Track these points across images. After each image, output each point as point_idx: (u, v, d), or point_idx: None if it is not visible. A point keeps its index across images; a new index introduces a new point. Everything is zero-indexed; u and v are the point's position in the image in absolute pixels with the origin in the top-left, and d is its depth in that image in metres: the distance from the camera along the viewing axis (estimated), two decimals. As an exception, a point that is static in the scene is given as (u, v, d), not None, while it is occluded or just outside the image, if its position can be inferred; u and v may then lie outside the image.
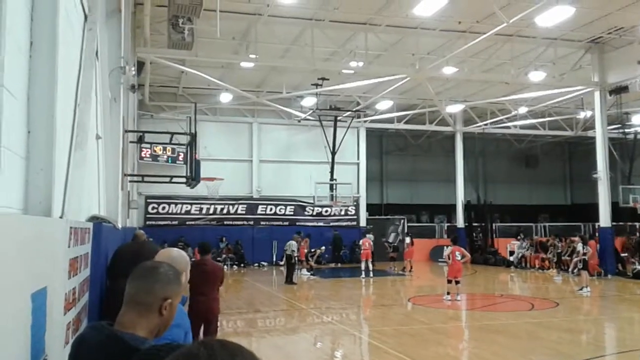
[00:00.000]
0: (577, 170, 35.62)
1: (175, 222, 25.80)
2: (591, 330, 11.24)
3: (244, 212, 27.10)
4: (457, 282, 14.42)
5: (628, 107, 24.65)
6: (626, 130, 27.07)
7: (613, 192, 22.05)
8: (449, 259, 14.81)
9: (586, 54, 20.14)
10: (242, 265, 25.72)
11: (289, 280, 19.23)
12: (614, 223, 22.64)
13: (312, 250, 24.68)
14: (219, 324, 12.04)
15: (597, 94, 21.07)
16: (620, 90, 20.59)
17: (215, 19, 12.04)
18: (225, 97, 24.25)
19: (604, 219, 21.21)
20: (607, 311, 14.53)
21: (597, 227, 22.64)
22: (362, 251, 21.98)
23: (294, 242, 19.64)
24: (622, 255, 22.46)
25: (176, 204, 25.99)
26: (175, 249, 3.08)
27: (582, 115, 26.91)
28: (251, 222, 27.04)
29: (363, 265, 21.35)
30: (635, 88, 19.66)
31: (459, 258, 14.53)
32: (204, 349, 1.23)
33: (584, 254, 17.42)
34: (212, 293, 6.38)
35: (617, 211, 23.43)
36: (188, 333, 2.80)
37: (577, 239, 19.38)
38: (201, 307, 6.28)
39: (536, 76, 20.02)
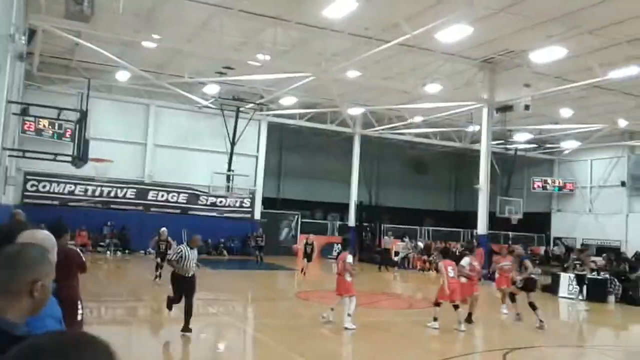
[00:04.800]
0: (462, 179, 37.89)
1: (56, 203, 24.21)
2: (462, 330, 11.94)
3: (133, 196, 26.03)
4: (455, 307, 11.14)
5: (511, 125, 26.66)
6: (508, 146, 29.32)
7: (492, 203, 23.77)
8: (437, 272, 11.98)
9: (479, 72, 21.46)
10: (126, 251, 24.74)
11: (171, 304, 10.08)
12: (490, 231, 24.42)
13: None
14: (94, 311, 11.55)
15: (485, 110, 22.56)
16: (506, 108, 22.23)
17: (118, -7, 11.46)
18: (123, 76, 23.14)
19: (481, 226, 22.77)
20: (479, 312, 15.53)
21: (475, 233, 24.27)
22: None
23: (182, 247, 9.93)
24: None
25: (59, 183, 24.41)
26: (42, 230, 2.91)
27: (470, 128, 28.72)
28: (140, 208, 26.04)
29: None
30: (519, 108, 21.31)
31: (452, 275, 11.27)
32: (51, 341, 1.23)
33: None
34: (67, 280, 5.86)
35: (494, 220, 25.30)
36: (61, 322, 2.70)
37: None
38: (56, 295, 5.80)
39: (432, 88, 21.06)
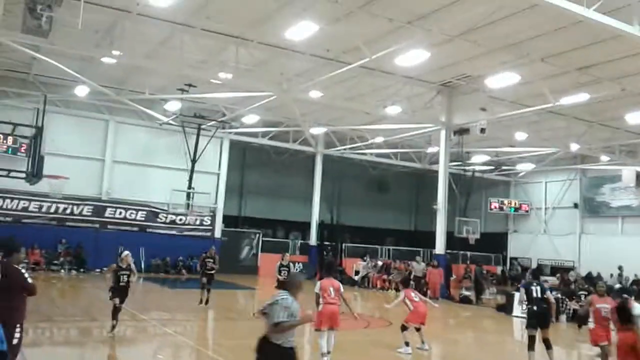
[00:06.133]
0: (422, 199, 38.44)
1: (9, 219, 23.49)
2: (414, 349, 12.06)
3: (89, 213, 25.47)
4: (417, 329, 11.23)
5: (469, 147, 27.33)
6: (466, 168, 29.98)
7: (450, 223, 24.20)
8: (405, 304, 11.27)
9: (437, 95, 21.98)
10: (82, 270, 24.16)
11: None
12: (449, 251, 24.82)
13: None
14: (45, 332, 11.26)
15: (443, 133, 23.09)
16: (463, 131, 22.79)
17: (78, 9, 11.38)
18: (82, 91, 22.77)
19: (439, 246, 23.14)
20: (433, 331, 15.68)
21: (433, 253, 24.65)
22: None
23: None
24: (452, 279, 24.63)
25: (12, 199, 23.72)
26: None
27: (429, 150, 29.29)
28: (97, 225, 25.50)
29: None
30: (475, 131, 21.90)
31: (417, 299, 11.38)
32: None
33: None
34: (10, 301, 5.65)
35: (453, 240, 25.76)
36: (3, 342, 2.70)
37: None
38: None
39: (392, 110, 21.46)
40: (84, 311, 14.81)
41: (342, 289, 9.44)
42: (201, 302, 15.84)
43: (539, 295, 10.20)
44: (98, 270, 24.42)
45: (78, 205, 25.23)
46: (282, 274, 14.89)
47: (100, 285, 19.69)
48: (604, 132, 24.40)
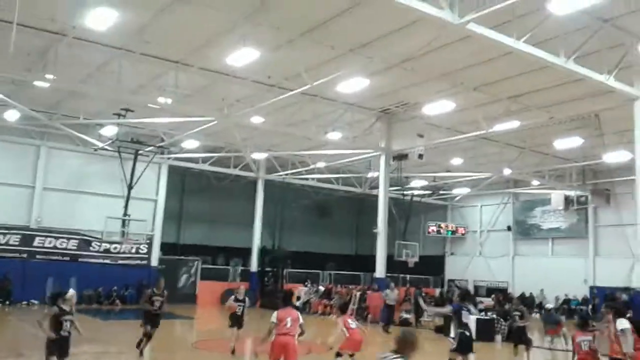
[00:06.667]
0: (362, 224, 38.87)
1: None
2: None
3: (17, 243, 24.14)
4: (351, 355, 11.24)
5: (408, 172, 27.95)
6: (405, 192, 30.62)
7: (390, 246, 24.53)
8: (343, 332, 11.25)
9: (377, 122, 22.42)
10: (7, 302, 22.81)
11: None
12: (389, 274, 25.10)
13: None
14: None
15: (382, 158, 23.52)
16: (401, 157, 23.34)
17: (9, 31, 10.94)
18: (12, 115, 21.76)
19: (380, 270, 23.37)
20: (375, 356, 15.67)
21: (374, 277, 24.84)
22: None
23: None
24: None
25: None
26: None
27: (369, 175, 29.77)
28: (24, 255, 24.20)
29: None
30: (414, 156, 22.47)
31: (354, 326, 11.31)
32: None
33: None
34: None
35: (393, 263, 26.09)
36: None
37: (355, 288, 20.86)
38: None
39: (334, 136, 21.71)
40: (9, 347, 13.91)
41: (301, 320, 8.74)
42: (142, 354, 12.58)
43: (468, 321, 10.28)
44: (25, 302, 23.17)
45: (4, 234, 23.91)
46: (237, 310, 13.47)
47: (26, 319, 18.61)
48: (534, 158, 25.57)
